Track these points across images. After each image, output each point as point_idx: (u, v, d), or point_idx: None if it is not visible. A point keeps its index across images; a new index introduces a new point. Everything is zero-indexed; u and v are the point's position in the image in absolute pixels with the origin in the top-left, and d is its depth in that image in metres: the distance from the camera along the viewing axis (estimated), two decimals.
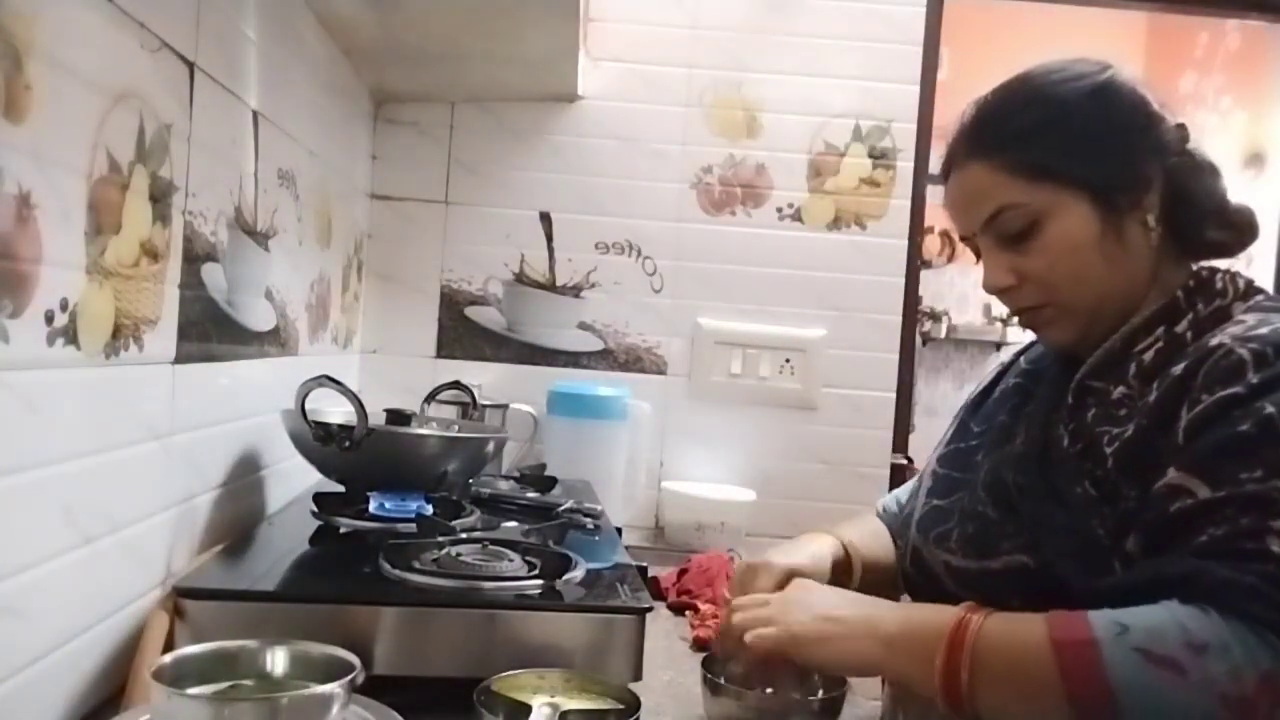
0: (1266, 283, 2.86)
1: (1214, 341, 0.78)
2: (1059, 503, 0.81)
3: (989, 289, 0.90)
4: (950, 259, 4.88)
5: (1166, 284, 0.87)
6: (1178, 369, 0.79)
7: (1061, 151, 0.85)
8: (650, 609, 0.94)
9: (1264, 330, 0.77)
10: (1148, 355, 0.83)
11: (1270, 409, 0.72)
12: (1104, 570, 0.77)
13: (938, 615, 0.78)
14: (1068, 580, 0.78)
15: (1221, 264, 0.89)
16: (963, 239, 0.93)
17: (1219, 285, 0.85)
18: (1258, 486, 0.70)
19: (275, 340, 1.33)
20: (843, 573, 1.03)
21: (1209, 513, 0.71)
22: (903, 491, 1.15)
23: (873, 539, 1.07)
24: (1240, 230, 0.89)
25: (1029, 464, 0.85)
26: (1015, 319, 0.93)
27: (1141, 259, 0.86)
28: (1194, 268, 0.88)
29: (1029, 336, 0.98)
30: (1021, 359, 1.02)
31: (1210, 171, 0.88)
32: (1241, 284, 0.86)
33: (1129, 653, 0.67)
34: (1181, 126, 0.88)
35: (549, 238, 1.92)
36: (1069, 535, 0.79)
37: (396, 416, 1.34)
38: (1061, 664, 0.69)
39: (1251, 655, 0.65)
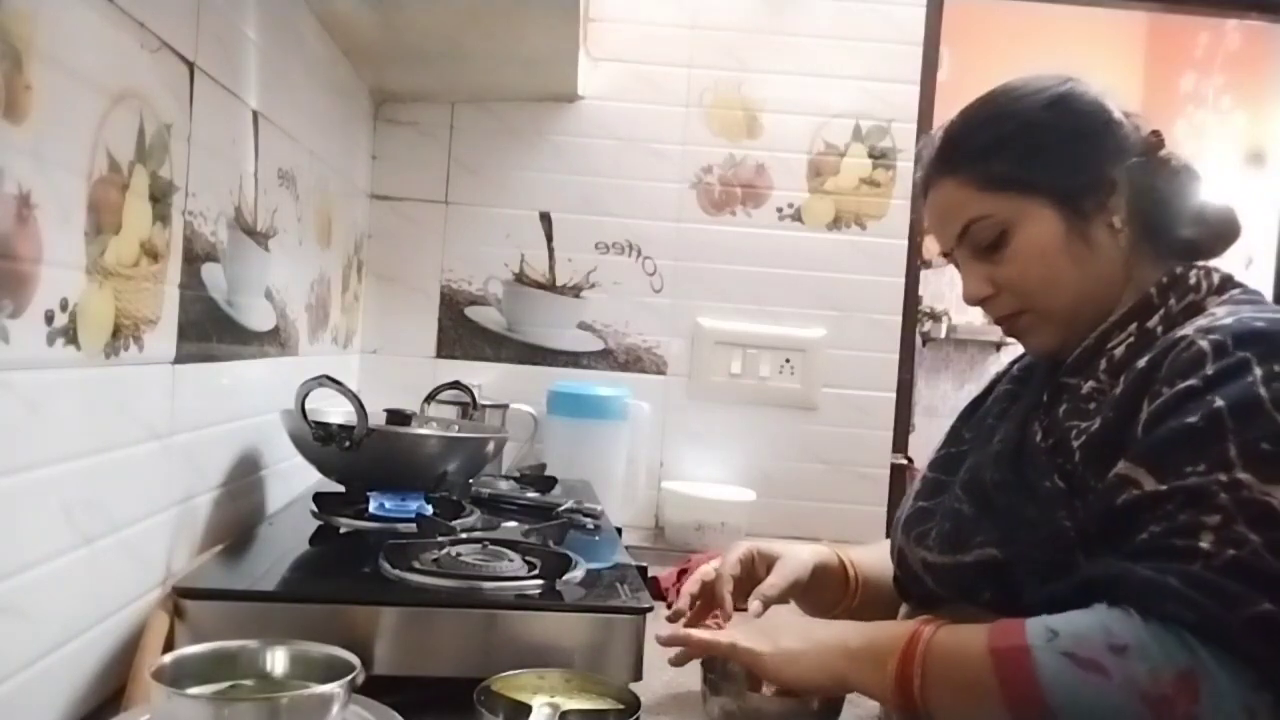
0: (1266, 283, 2.87)
1: (1179, 334, 0.79)
2: (1030, 497, 0.82)
3: (968, 300, 0.93)
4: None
5: (1142, 284, 0.88)
6: (1142, 362, 0.79)
7: (1022, 161, 0.87)
8: (650, 609, 0.94)
9: (1228, 321, 0.77)
10: (1118, 350, 0.84)
11: (1220, 402, 0.72)
12: (1068, 562, 0.78)
13: (895, 629, 0.81)
14: (1029, 576, 0.79)
15: (1216, 264, 0.90)
16: (944, 255, 0.96)
17: (1192, 280, 0.86)
18: (1199, 480, 0.70)
19: (275, 340, 1.33)
20: (836, 582, 1.04)
21: (1152, 507, 0.72)
22: None
23: (882, 560, 1.07)
24: (1218, 229, 0.90)
25: (1004, 461, 0.87)
26: (999, 327, 0.95)
27: (1111, 260, 0.88)
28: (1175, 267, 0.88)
29: None
30: (1015, 366, 1.03)
31: (1182, 172, 0.90)
32: (1217, 279, 0.86)
33: (1058, 657, 0.69)
34: (1155, 133, 0.90)
35: (549, 238, 1.92)
36: (1037, 528, 0.80)
37: (396, 416, 1.34)
38: (999, 670, 0.71)
39: (1169, 654, 0.67)
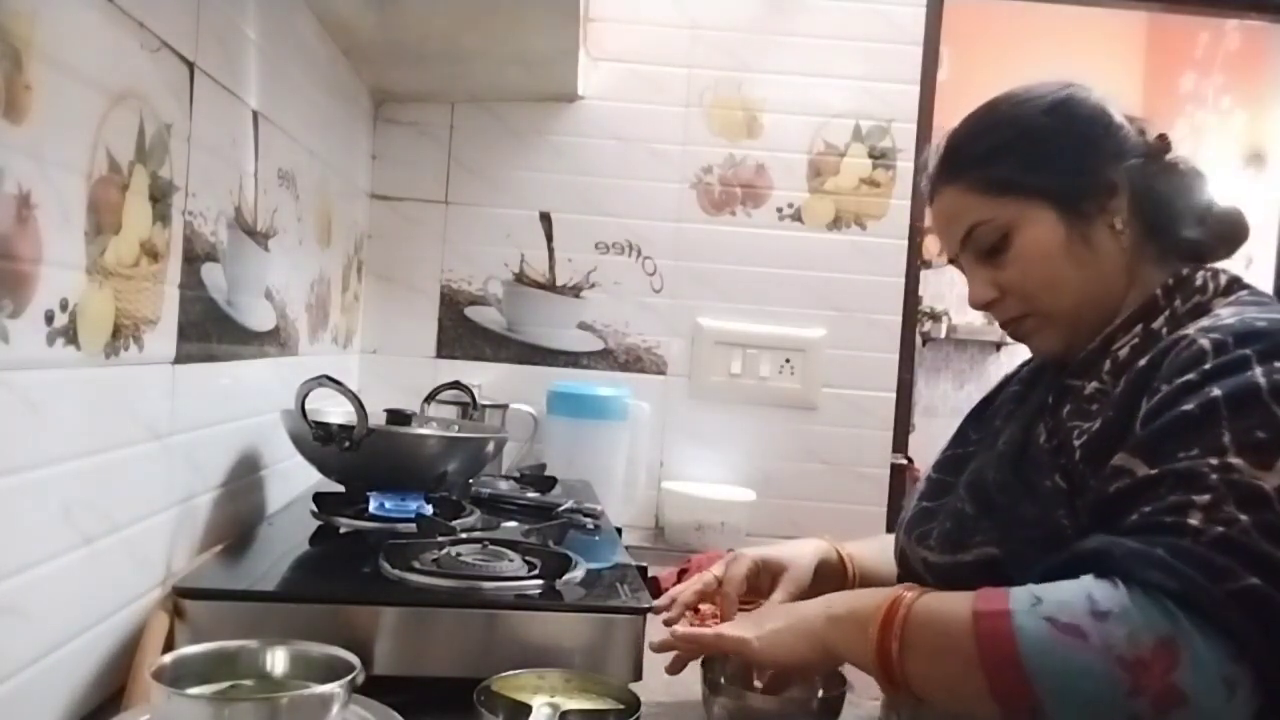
0: (1266, 283, 2.87)
1: (1180, 333, 0.79)
2: (1030, 496, 0.83)
3: (974, 304, 0.94)
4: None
5: (1147, 285, 0.88)
6: (1143, 361, 0.80)
7: (1022, 165, 0.89)
8: (650, 609, 0.94)
9: (1231, 320, 0.77)
10: (1123, 352, 0.85)
11: (1217, 391, 0.72)
12: None
13: (879, 594, 0.82)
14: (1027, 575, 0.78)
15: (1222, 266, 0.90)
16: (950, 261, 0.96)
17: (1199, 282, 0.86)
18: (1191, 463, 0.71)
19: (275, 340, 1.33)
20: (835, 578, 1.07)
21: (1144, 491, 0.72)
22: None
23: (879, 553, 1.08)
24: (1224, 231, 0.91)
25: (1007, 461, 0.87)
26: (1005, 331, 0.96)
27: (1114, 262, 0.88)
28: (1181, 269, 0.89)
29: None
30: (1024, 369, 1.04)
31: (1186, 174, 0.90)
32: (1224, 280, 0.87)
33: (1038, 621, 0.69)
34: (1162, 137, 0.91)
35: (549, 238, 1.92)
36: (1035, 527, 0.81)
37: (396, 416, 1.34)
38: (977, 632, 0.71)
39: (1150, 621, 0.67)
